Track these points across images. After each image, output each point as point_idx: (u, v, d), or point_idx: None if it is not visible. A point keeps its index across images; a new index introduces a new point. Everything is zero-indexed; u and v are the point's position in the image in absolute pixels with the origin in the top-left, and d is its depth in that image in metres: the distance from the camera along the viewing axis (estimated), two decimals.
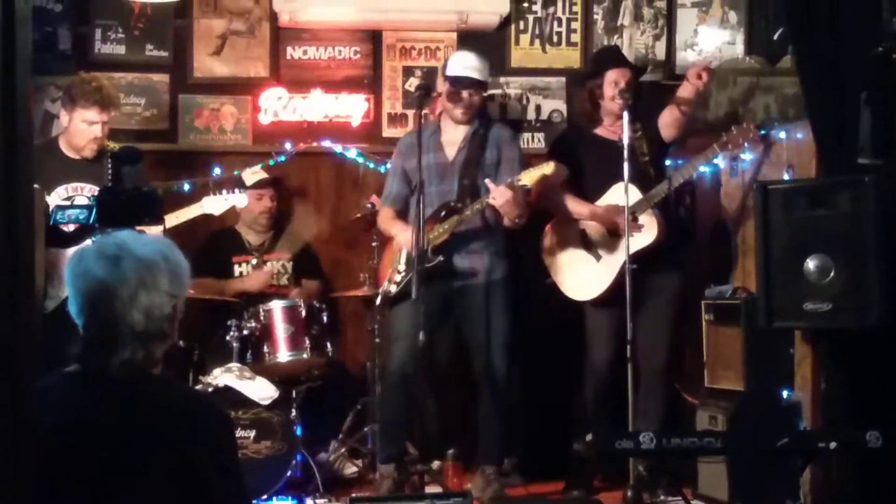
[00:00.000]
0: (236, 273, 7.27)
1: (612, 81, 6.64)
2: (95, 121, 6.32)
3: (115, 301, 2.95)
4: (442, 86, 6.65)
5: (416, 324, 6.01)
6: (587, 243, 6.67)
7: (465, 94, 6.52)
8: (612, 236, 6.56)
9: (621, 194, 6.29)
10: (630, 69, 6.77)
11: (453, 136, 6.60)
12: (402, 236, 6.44)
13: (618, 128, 6.54)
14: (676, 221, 6.71)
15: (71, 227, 5.81)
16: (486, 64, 6.66)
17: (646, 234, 6.41)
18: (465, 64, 6.53)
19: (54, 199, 6.18)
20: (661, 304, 6.47)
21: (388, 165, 6.91)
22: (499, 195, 6.21)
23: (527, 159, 6.74)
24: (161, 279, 3.00)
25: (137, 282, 2.96)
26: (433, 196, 6.45)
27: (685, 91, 6.47)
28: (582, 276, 6.67)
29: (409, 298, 6.20)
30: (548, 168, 6.24)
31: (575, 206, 6.64)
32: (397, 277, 6.47)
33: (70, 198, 6.21)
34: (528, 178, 6.26)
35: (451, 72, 6.54)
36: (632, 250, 6.26)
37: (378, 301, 6.62)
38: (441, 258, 6.34)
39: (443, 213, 6.41)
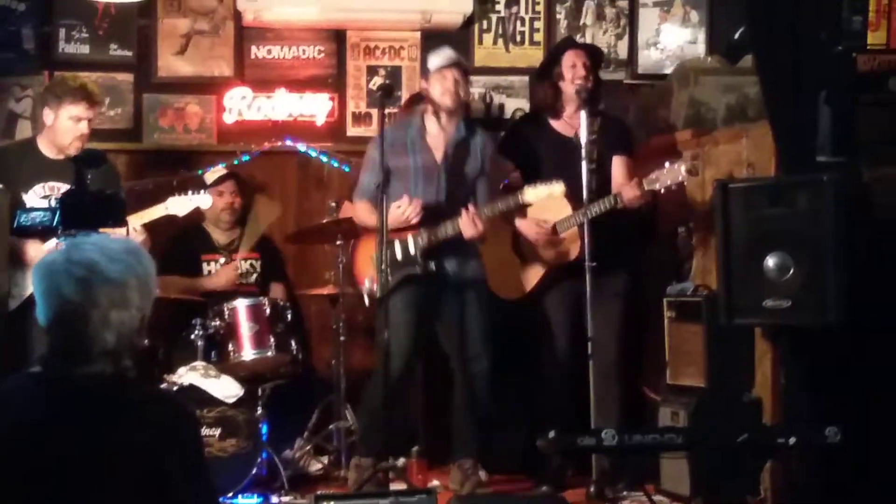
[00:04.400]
0: (205, 272, 7.28)
1: (570, 64, 6.65)
2: (83, 117, 6.31)
3: (87, 324, 2.95)
4: (426, 86, 6.56)
5: (403, 321, 6.22)
6: (516, 243, 6.73)
7: (452, 78, 6.43)
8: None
9: (555, 205, 6.39)
10: (586, 52, 6.79)
11: (438, 138, 6.50)
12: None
13: (575, 120, 6.54)
14: (626, 224, 6.71)
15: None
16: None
17: (569, 249, 6.47)
18: (447, 55, 6.51)
19: (31, 197, 6.20)
20: (604, 301, 6.48)
21: (369, 155, 6.59)
22: (468, 225, 6.27)
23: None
24: (132, 297, 3.01)
25: (109, 304, 2.96)
26: (418, 198, 6.38)
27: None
28: (506, 274, 6.75)
29: (398, 295, 6.29)
30: (557, 189, 6.26)
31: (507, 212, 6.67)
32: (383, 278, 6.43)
33: (47, 196, 6.20)
34: (534, 195, 6.28)
35: (434, 65, 6.46)
36: (554, 264, 6.53)
37: (366, 303, 6.56)
38: (433, 265, 6.36)
39: (432, 218, 6.39)
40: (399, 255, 6.35)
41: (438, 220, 6.36)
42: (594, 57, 6.84)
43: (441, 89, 6.40)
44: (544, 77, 6.87)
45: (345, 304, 6.99)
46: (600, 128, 6.52)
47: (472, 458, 6.50)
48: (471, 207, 6.30)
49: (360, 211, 6.58)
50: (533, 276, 6.66)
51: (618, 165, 6.66)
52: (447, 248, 6.40)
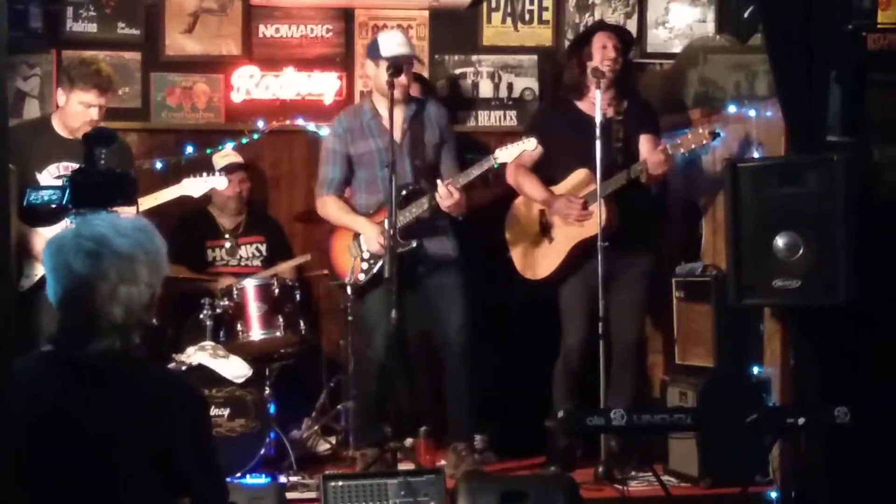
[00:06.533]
0: (209, 257, 7.27)
1: (600, 45, 6.61)
2: (93, 104, 6.23)
3: (95, 296, 2.96)
4: (373, 69, 6.54)
5: (391, 307, 6.05)
6: (544, 224, 6.71)
7: (404, 72, 6.38)
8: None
9: (582, 180, 6.44)
10: (616, 34, 6.73)
11: (393, 119, 6.36)
12: (368, 230, 6.40)
13: (601, 100, 6.57)
14: (647, 201, 6.72)
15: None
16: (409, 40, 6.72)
17: (593, 223, 6.46)
18: (397, 41, 6.48)
19: (45, 177, 6.15)
20: (630, 282, 6.49)
21: (328, 147, 6.64)
22: (446, 196, 6.25)
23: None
24: (140, 272, 3.02)
25: (117, 277, 2.97)
26: (384, 180, 6.29)
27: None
28: (533, 254, 6.74)
29: (379, 285, 6.26)
30: (529, 144, 6.29)
31: (532, 189, 6.67)
32: (364, 266, 6.45)
33: (61, 176, 6.17)
34: (506, 155, 6.30)
35: (387, 52, 6.39)
36: (577, 239, 6.46)
37: (349, 292, 6.58)
38: (413, 243, 6.34)
39: (403, 194, 6.35)
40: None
41: (409, 198, 6.37)
42: (625, 40, 6.79)
43: (392, 83, 6.24)
44: (573, 55, 6.82)
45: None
46: (627, 109, 6.51)
47: (464, 441, 6.48)
48: (445, 179, 6.32)
49: (330, 208, 6.59)
50: (558, 256, 6.62)
51: (645, 142, 6.62)
52: (420, 227, 6.40)
